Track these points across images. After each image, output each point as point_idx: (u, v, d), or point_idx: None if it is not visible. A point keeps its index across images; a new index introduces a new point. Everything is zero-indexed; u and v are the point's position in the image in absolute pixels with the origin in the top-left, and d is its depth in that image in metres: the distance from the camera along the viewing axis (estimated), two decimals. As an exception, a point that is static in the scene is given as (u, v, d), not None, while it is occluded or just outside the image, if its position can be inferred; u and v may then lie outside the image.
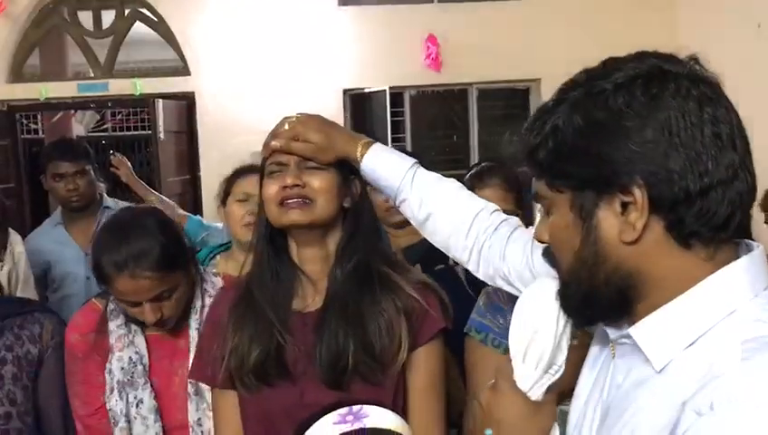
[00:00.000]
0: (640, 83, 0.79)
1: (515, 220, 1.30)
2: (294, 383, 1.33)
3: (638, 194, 0.78)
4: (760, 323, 0.75)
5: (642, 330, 0.81)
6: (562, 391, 1.01)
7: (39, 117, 9.22)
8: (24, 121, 8.62)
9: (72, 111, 7.85)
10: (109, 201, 2.96)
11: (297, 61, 6.03)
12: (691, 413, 0.72)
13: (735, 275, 0.79)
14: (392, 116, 6.06)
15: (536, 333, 0.96)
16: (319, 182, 1.32)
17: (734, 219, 0.78)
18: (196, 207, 6.14)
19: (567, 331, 0.96)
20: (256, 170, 2.16)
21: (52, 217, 3.05)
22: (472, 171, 1.94)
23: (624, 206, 0.79)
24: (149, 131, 6.31)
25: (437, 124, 6.80)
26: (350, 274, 1.35)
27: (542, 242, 0.93)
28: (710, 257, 0.79)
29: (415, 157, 1.39)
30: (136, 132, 10.36)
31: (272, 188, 1.33)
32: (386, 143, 5.76)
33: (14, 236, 2.72)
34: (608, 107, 0.79)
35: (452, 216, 1.29)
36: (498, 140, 6.69)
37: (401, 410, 1.34)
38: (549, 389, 0.98)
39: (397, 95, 6.25)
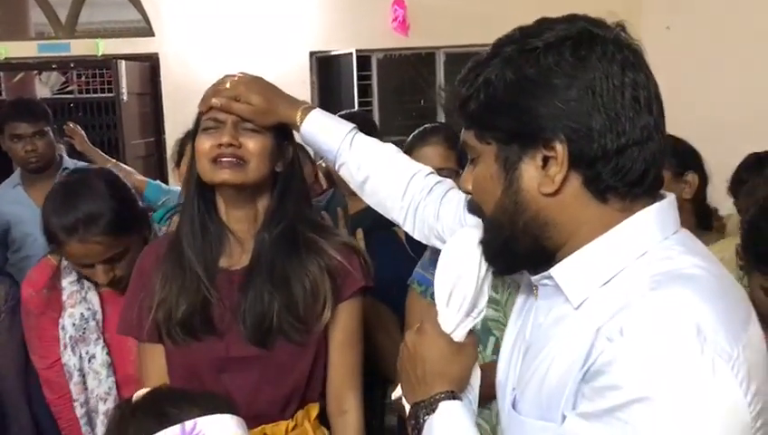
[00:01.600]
0: (570, 44, 0.83)
1: (449, 182, 1.34)
2: (221, 338, 1.35)
3: (560, 149, 0.83)
4: (667, 260, 0.82)
5: (561, 270, 0.87)
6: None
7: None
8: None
9: (35, 72, 7.68)
10: (68, 162, 2.94)
11: (263, 22, 5.95)
12: (603, 339, 0.78)
13: (647, 221, 0.85)
14: (359, 79, 6.03)
15: (459, 278, 1.01)
16: (254, 144, 1.33)
17: (648, 176, 0.84)
18: (161, 169, 6.10)
19: (489, 276, 1.02)
20: None
21: (11, 177, 3.02)
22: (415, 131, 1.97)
23: (545, 160, 0.85)
24: (112, 93, 6.23)
25: (405, 88, 6.79)
26: (277, 236, 1.37)
27: (467, 191, 0.97)
28: (625, 209, 0.85)
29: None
30: (101, 95, 10.19)
31: (206, 144, 1.33)
32: (353, 106, 5.77)
33: None
34: (538, 64, 0.84)
35: (388, 178, 1.33)
36: (465, 104, 6.68)
37: (323, 365, 1.40)
38: (471, 331, 1.04)
39: (364, 58, 6.22)
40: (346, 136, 1.36)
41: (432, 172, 1.35)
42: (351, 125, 1.39)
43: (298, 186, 1.43)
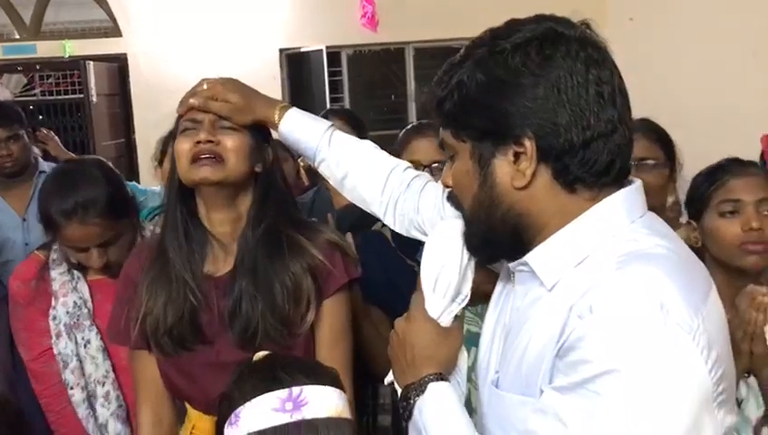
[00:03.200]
0: (536, 44, 0.88)
1: (426, 175, 1.38)
2: (211, 345, 1.35)
3: (528, 145, 0.88)
4: (633, 241, 0.88)
5: (535, 255, 0.93)
6: None
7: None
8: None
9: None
10: (44, 165, 2.91)
11: (232, 20, 5.95)
12: (575, 317, 0.83)
13: (614, 206, 0.90)
14: (330, 75, 6.06)
15: (443, 267, 1.06)
16: (232, 142, 1.33)
17: (614, 166, 0.90)
18: (132, 170, 6.07)
19: (471, 264, 1.07)
20: None
21: None
22: (408, 126, 1.99)
23: (516, 155, 0.90)
24: (81, 95, 6.17)
25: (375, 84, 6.83)
26: (260, 238, 1.36)
27: (447, 186, 1.03)
28: (593, 199, 0.90)
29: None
30: (67, 96, 10.07)
31: (185, 144, 1.33)
32: (324, 103, 5.78)
33: None
34: (506, 65, 0.88)
35: (367, 173, 1.37)
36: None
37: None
38: (457, 316, 1.09)
39: (334, 55, 6.25)
40: (324, 133, 1.38)
41: (410, 167, 1.39)
42: (329, 123, 1.41)
43: (279, 186, 1.42)
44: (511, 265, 0.98)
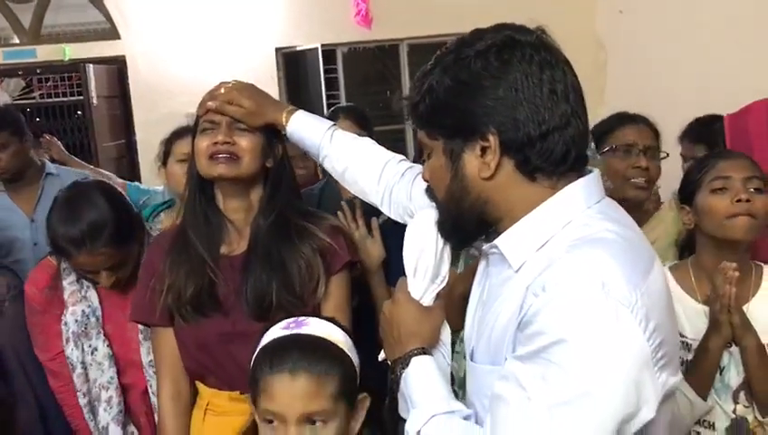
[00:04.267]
0: (494, 51, 0.99)
1: (419, 167, 1.49)
2: (226, 315, 1.52)
3: (492, 139, 0.99)
4: (585, 226, 0.99)
5: (503, 240, 1.04)
6: None
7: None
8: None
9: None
10: (51, 167, 2.98)
11: (228, 20, 6.02)
12: (531, 295, 0.95)
13: (572, 194, 1.01)
14: (326, 73, 6.13)
15: (422, 252, 1.19)
16: (246, 142, 1.50)
17: (570, 155, 1.01)
18: (133, 170, 6.15)
19: (447, 248, 1.20)
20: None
21: None
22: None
23: (483, 150, 1.01)
24: (80, 97, 6.24)
25: (371, 80, 6.91)
26: (270, 225, 1.54)
27: (426, 181, 1.14)
28: (553, 186, 1.01)
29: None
30: (65, 99, 10.12)
31: (203, 143, 1.50)
32: (320, 100, 5.86)
33: None
34: (470, 70, 1.00)
35: (365, 166, 1.50)
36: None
37: None
38: (437, 296, 1.21)
39: (329, 52, 6.32)
40: (326, 132, 1.52)
41: (404, 159, 1.51)
42: (330, 123, 1.55)
43: (287, 179, 1.59)
44: (484, 248, 1.10)
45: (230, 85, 1.53)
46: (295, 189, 1.64)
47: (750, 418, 1.61)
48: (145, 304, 1.58)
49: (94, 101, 5.91)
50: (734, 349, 1.60)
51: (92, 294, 1.79)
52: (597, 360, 0.88)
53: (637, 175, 1.98)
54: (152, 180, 3.20)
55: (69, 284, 1.79)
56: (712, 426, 1.63)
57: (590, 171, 1.05)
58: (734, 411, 1.62)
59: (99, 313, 1.79)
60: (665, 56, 5.04)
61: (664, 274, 1.04)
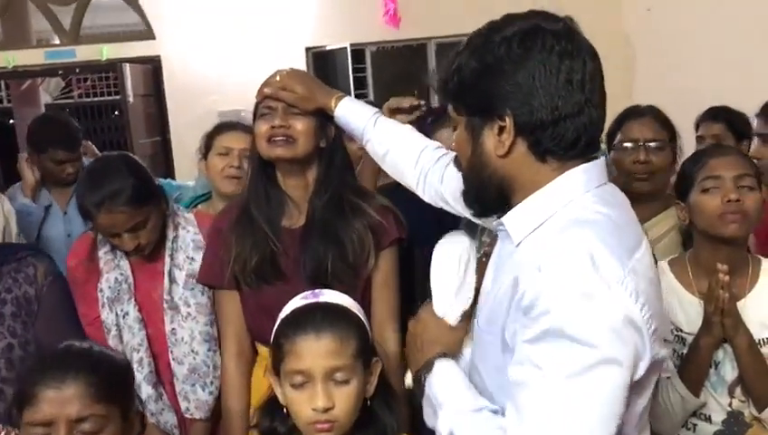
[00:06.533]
0: (518, 38, 1.06)
1: (452, 154, 1.57)
2: (287, 283, 1.66)
3: (508, 121, 1.07)
4: (581, 208, 1.06)
5: (509, 217, 1.12)
6: None
7: (1, 85, 9.22)
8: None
9: (39, 80, 7.86)
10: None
11: (259, 20, 6.15)
12: (525, 271, 1.03)
13: (574, 177, 1.08)
14: (354, 72, 6.23)
15: (447, 274, 1.33)
16: (301, 125, 1.63)
17: (580, 141, 1.07)
18: (168, 166, 6.30)
19: (469, 271, 1.33)
20: (236, 126, 2.45)
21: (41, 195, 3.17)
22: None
23: (500, 129, 1.08)
24: (116, 96, 6.43)
25: (399, 79, 6.98)
26: (326, 202, 1.68)
27: (454, 151, 1.24)
28: (560, 168, 1.09)
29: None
30: (102, 98, 10.37)
31: (262, 127, 1.64)
32: (348, 99, 5.74)
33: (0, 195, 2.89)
34: (494, 54, 1.07)
35: (404, 150, 1.60)
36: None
37: (367, 304, 1.69)
38: (462, 315, 1.33)
39: (358, 52, 6.42)
40: (371, 118, 1.63)
41: (440, 146, 1.61)
42: (375, 109, 1.67)
43: (341, 158, 1.72)
44: (494, 223, 1.18)
45: (285, 72, 1.65)
46: (350, 167, 1.77)
47: (746, 413, 1.64)
48: (214, 268, 1.74)
49: (130, 99, 6.07)
50: (728, 345, 1.63)
51: (125, 264, 1.91)
52: (596, 327, 0.95)
53: (637, 168, 2.08)
54: (186, 175, 3.30)
55: (104, 253, 1.92)
56: (708, 419, 1.66)
57: (598, 157, 1.11)
58: (730, 405, 1.64)
59: (130, 280, 1.90)
60: (692, 53, 5.03)
61: (651, 255, 1.11)
